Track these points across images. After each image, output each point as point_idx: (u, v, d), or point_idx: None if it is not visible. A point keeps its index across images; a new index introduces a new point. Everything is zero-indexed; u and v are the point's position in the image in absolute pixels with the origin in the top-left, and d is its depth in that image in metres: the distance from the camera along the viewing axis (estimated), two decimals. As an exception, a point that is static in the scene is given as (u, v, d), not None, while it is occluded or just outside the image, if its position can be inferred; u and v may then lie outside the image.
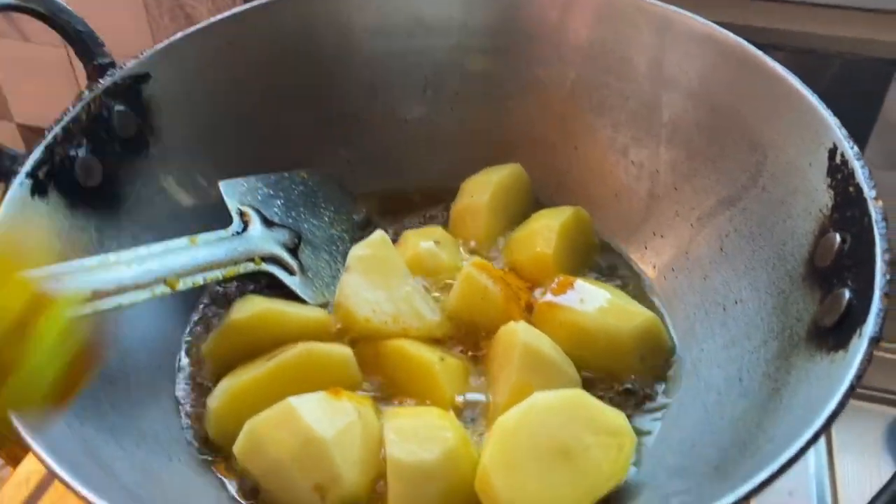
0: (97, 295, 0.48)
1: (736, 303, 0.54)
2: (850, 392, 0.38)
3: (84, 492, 0.38)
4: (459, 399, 0.53)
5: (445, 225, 0.65)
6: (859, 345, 0.39)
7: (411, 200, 0.69)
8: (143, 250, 0.51)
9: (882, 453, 0.60)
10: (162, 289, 0.51)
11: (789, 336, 0.48)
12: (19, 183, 0.50)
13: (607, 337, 0.54)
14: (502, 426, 0.46)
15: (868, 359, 0.39)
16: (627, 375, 0.55)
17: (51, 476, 0.54)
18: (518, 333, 0.51)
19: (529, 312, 0.57)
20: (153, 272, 0.51)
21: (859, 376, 0.38)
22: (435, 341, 0.56)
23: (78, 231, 0.54)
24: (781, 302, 0.50)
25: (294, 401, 0.47)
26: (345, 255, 0.59)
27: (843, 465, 0.59)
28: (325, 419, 0.47)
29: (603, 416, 0.47)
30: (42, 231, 0.52)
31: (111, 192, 0.57)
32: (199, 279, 0.53)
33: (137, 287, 0.49)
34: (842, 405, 0.38)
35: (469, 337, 0.57)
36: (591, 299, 0.55)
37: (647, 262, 0.62)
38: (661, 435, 0.52)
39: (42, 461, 0.40)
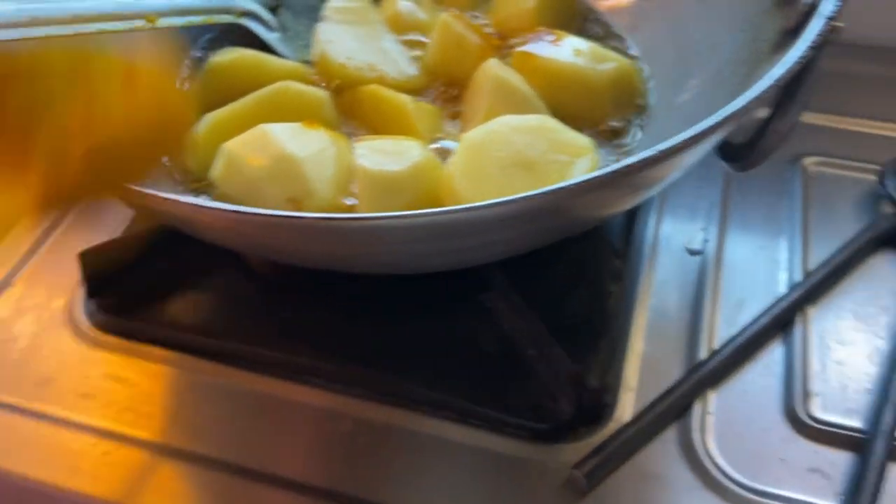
0: (77, 19, 0.49)
1: (713, 47, 0.55)
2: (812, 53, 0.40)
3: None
4: (436, 146, 0.55)
5: (426, -6, 0.65)
6: (816, 23, 0.40)
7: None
8: (120, -13, 0.52)
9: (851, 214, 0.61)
10: (141, 23, 0.52)
11: (757, 57, 0.48)
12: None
13: (581, 80, 0.54)
14: (468, 140, 0.47)
15: (824, 36, 0.39)
16: (602, 121, 0.55)
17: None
18: (491, 68, 0.52)
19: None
20: (132, 5, 0.51)
21: (815, 47, 0.39)
22: (413, 93, 0.57)
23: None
24: (752, 34, 0.50)
25: (267, 126, 0.49)
26: (325, 23, 0.59)
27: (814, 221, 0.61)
28: (298, 142, 0.49)
29: (568, 136, 0.48)
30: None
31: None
32: (177, 21, 0.54)
33: (117, 17, 0.50)
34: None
35: (447, 90, 0.57)
36: (566, 47, 0.56)
37: (627, 24, 0.62)
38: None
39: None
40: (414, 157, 0.47)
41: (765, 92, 0.37)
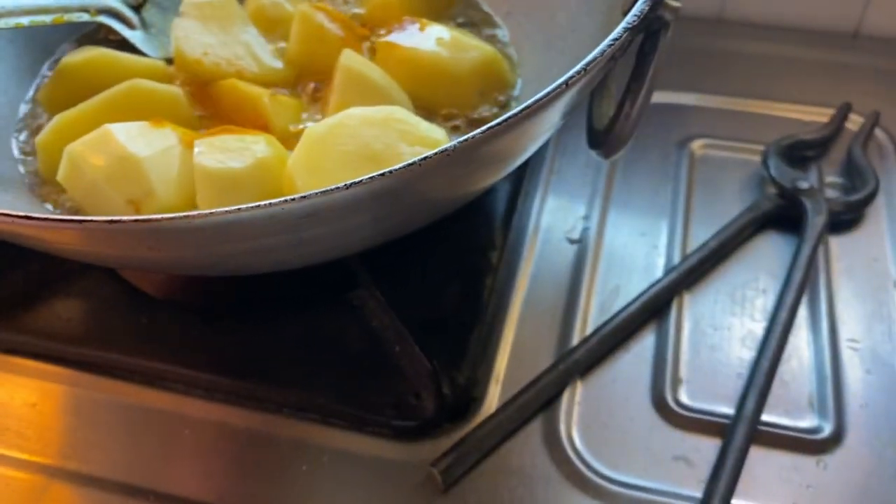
0: None
1: (573, 31, 0.54)
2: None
3: None
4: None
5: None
6: (637, 5, 0.40)
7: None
8: (-43, -15, 0.50)
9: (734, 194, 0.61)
10: (-23, 23, 0.50)
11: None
12: None
13: (442, 70, 0.53)
14: (311, 133, 0.45)
15: (640, 17, 0.39)
16: (470, 110, 0.54)
17: None
18: (342, 59, 0.51)
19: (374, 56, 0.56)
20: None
21: (631, 28, 0.39)
22: (278, 87, 0.55)
23: None
24: (606, 18, 0.49)
25: (111, 126, 0.47)
26: (197, 19, 0.57)
27: (698, 204, 0.60)
28: (142, 141, 0.47)
29: (420, 129, 0.46)
30: None
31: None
32: (22, 21, 0.52)
33: (-53, 18, 0.49)
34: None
35: (315, 83, 0.56)
36: (430, 36, 0.54)
37: (503, 10, 0.61)
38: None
39: None
40: (257, 154, 0.46)
41: (574, 76, 0.36)
